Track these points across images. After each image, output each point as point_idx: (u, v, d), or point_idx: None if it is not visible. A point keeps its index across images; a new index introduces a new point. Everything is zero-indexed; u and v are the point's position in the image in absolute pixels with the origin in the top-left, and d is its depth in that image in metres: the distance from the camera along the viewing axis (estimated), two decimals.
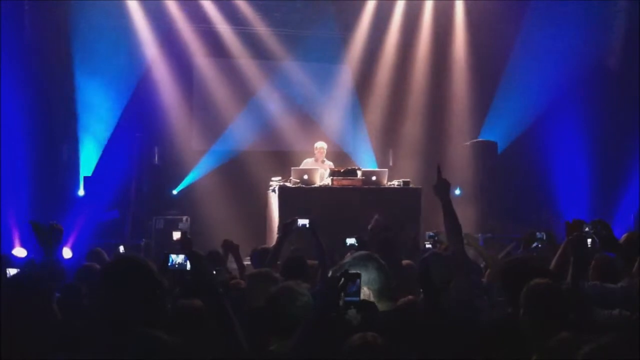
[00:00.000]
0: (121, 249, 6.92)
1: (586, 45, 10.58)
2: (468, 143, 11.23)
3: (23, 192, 9.54)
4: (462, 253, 3.55)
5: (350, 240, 5.04)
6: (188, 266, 2.73)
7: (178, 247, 4.59)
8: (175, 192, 11.05)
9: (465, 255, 3.66)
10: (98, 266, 4.44)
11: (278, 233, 5.40)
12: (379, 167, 10.51)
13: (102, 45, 10.27)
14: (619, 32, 10.75)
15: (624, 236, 4.35)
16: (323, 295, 2.75)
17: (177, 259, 2.86)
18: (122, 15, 10.52)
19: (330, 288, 2.73)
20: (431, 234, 6.19)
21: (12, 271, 4.77)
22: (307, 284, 4.41)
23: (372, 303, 2.95)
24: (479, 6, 11.20)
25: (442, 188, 3.52)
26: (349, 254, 4.24)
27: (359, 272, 2.83)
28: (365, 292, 3.07)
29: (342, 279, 2.72)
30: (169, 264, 2.86)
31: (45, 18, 9.96)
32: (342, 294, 2.71)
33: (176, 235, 4.84)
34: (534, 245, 5.09)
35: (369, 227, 5.90)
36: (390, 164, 11.03)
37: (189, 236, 4.67)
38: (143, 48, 10.74)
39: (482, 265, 5.51)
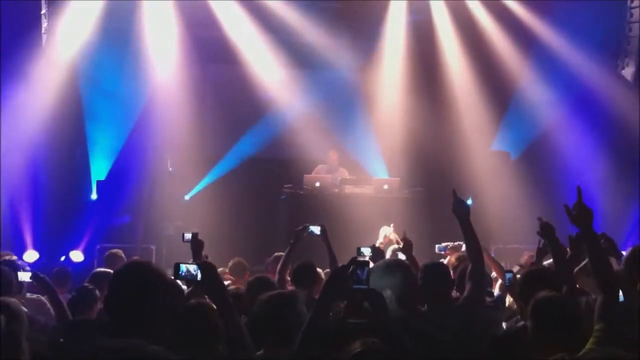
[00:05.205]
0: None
1: (600, 53, 10.48)
2: (482, 152, 11.17)
3: (36, 194, 9.60)
4: (479, 271, 3.55)
5: (366, 251, 5.02)
6: (199, 276, 2.70)
7: (189, 246, 4.53)
8: (187, 197, 11.08)
9: (483, 273, 3.62)
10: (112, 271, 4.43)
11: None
12: (392, 177, 10.48)
13: (115, 50, 10.35)
14: (634, 39, 10.54)
15: (628, 251, 4.29)
16: (331, 281, 2.74)
17: (189, 268, 2.81)
18: (135, 21, 10.56)
19: (339, 275, 2.73)
20: (441, 247, 6.17)
21: (23, 275, 4.78)
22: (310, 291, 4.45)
23: (379, 293, 2.93)
24: (495, 12, 11.17)
25: (461, 209, 3.60)
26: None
27: (367, 260, 2.83)
28: (388, 294, 3.09)
29: (351, 267, 2.72)
30: (180, 273, 2.82)
31: (60, 23, 10.04)
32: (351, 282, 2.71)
33: (187, 235, 4.68)
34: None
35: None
36: (403, 173, 10.98)
37: (200, 237, 4.57)
38: (157, 53, 10.78)
39: (492, 276, 5.48)
